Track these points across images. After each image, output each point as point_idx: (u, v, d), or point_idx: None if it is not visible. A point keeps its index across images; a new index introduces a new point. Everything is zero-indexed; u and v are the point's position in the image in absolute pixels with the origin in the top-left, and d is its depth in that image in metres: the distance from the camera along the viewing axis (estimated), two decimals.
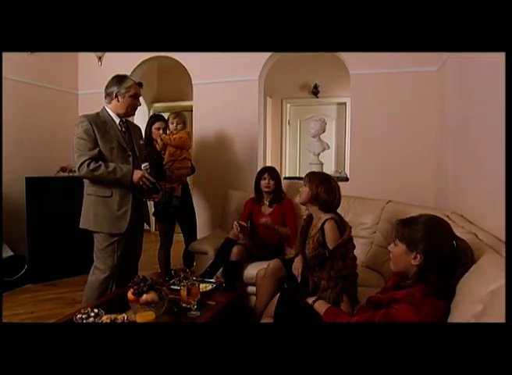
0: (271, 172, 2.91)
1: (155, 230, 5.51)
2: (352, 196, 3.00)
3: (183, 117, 3.24)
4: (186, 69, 3.76)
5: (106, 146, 2.17)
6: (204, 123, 3.74)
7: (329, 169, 4.75)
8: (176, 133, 3.17)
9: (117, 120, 2.26)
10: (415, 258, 1.32)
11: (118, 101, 2.21)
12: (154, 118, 3.25)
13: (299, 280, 2.10)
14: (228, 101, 3.65)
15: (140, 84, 2.27)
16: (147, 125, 3.22)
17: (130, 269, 2.36)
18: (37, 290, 3.37)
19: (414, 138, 3.16)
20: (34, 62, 3.74)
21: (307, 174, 2.15)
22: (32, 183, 3.49)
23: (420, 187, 3.14)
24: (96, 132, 2.14)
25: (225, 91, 3.65)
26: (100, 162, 2.12)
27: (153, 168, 3.10)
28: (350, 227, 2.02)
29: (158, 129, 3.16)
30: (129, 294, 1.78)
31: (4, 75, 3.29)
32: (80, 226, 2.23)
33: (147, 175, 2.19)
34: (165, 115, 3.39)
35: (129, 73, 3.94)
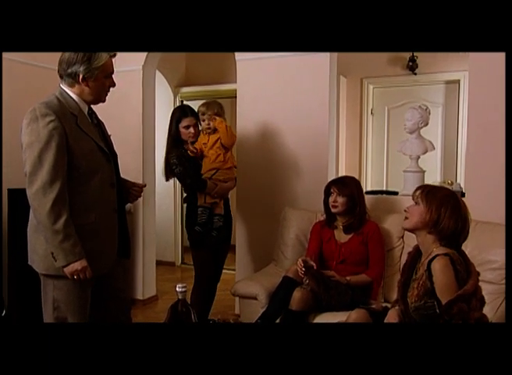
0: (338, 184, 2.91)
1: (182, 262, 5.65)
2: (471, 219, 2.87)
3: (216, 107, 3.25)
4: None
5: (81, 150, 2.08)
6: (252, 114, 3.81)
7: (434, 178, 4.65)
8: (211, 128, 3.22)
9: (85, 110, 2.19)
10: None
11: (87, 85, 2.10)
12: (180, 113, 3.27)
13: None
14: (286, 84, 3.69)
15: (114, 55, 2.17)
16: (171, 121, 3.27)
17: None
18: None
19: None
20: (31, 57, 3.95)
21: (421, 188, 2.10)
22: (16, 196, 3.50)
23: None
24: (67, 133, 2.02)
25: (281, 69, 3.69)
26: (65, 207, 1.98)
27: (184, 176, 3.19)
28: (478, 273, 1.95)
29: (188, 127, 3.21)
30: None
31: None
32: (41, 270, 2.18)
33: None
34: (195, 104, 3.44)
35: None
